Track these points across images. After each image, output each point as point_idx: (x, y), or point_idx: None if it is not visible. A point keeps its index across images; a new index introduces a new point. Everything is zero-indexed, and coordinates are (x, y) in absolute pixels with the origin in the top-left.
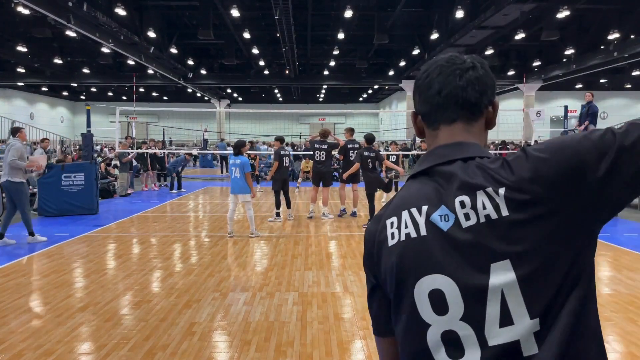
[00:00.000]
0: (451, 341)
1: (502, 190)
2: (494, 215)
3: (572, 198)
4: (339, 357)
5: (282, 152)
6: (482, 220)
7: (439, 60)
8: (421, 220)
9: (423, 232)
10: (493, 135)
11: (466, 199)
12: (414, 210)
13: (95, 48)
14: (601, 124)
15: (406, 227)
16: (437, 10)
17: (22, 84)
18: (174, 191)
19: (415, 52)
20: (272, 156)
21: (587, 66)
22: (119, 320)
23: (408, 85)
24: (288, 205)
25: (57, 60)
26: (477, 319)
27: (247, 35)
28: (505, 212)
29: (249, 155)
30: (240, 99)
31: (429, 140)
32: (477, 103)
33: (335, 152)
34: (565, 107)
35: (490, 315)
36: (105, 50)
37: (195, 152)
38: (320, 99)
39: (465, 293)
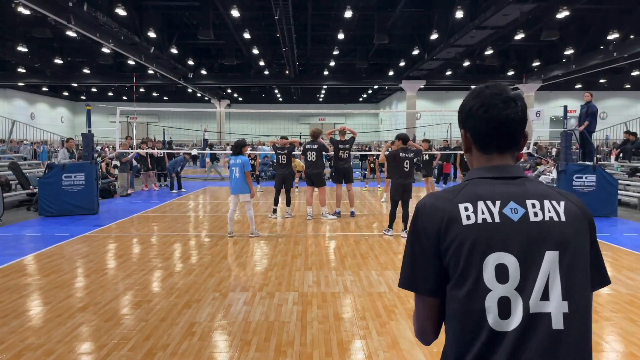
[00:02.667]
0: (503, 305)
1: (562, 203)
2: (555, 218)
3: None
4: (339, 357)
5: (279, 151)
6: (547, 219)
7: (491, 95)
8: (495, 211)
9: (497, 219)
10: None
11: (536, 202)
12: (488, 202)
13: (95, 48)
14: (601, 124)
15: (482, 213)
16: (437, 10)
17: (22, 84)
18: (174, 191)
19: (415, 52)
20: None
21: (587, 66)
22: (119, 320)
23: (408, 85)
24: (287, 203)
25: (57, 60)
26: (527, 291)
27: (247, 35)
28: (563, 218)
29: (249, 155)
30: (240, 99)
31: (478, 157)
32: (519, 140)
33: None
34: (565, 107)
35: (536, 289)
36: (105, 50)
37: (194, 152)
38: (320, 99)
39: (523, 269)
